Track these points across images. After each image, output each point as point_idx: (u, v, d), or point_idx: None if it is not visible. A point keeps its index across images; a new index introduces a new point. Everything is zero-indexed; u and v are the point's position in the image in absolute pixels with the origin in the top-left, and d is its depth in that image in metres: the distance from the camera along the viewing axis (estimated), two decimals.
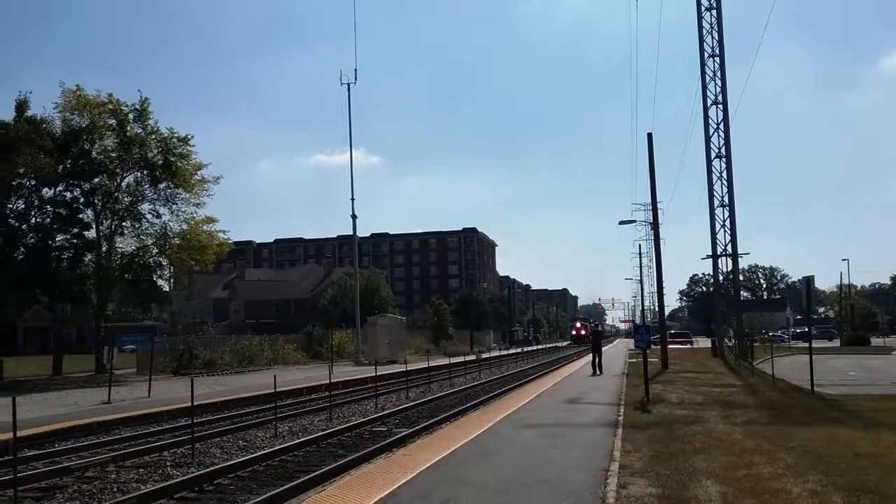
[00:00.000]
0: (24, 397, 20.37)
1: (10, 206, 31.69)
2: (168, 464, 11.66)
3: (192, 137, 34.23)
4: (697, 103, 39.33)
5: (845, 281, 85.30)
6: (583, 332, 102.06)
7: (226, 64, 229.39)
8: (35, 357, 43.19)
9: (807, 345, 21.50)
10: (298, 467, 11.27)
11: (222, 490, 9.86)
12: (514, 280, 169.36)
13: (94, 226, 33.63)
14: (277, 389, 16.64)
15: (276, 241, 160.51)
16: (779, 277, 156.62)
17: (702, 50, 38.65)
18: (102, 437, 14.35)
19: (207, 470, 10.62)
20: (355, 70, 46.57)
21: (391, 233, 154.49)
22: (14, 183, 31.07)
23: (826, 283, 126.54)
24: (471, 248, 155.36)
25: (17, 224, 31.81)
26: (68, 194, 33.23)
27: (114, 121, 33.37)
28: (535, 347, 77.51)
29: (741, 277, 46.89)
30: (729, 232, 38.31)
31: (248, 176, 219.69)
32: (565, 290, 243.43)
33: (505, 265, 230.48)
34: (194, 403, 13.53)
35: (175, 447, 13.01)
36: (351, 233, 49.52)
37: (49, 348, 40.91)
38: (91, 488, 9.92)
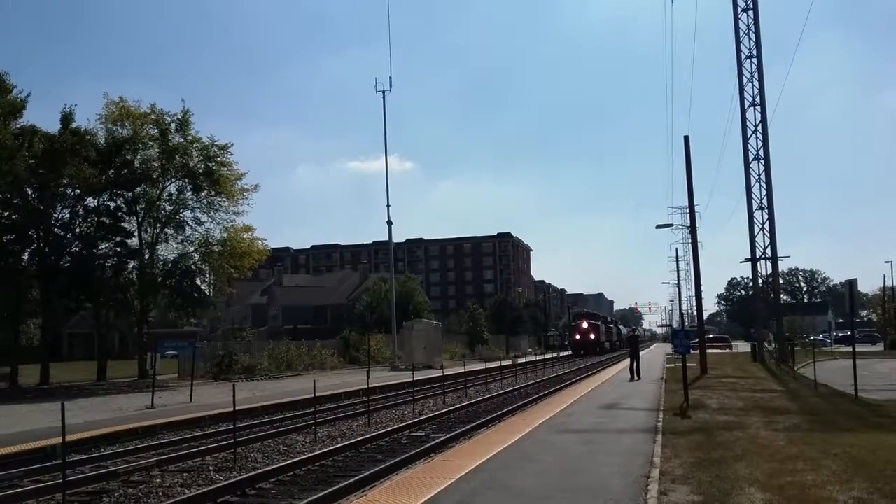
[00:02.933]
0: (70, 402, 20.81)
1: (56, 215, 32.41)
2: (211, 468, 11.85)
3: (231, 145, 34.81)
4: (735, 105, 38.92)
5: (889, 283, 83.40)
6: (591, 337, 71.36)
7: (259, 71, 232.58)
8: (80, 363, 44.00)
9: (849, 349, 21.13)
10: (339, 472, 11.38)
11: (264, 494, 10.00)
12: (550, 285, 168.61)
13: (136, 234, 34.31)
14: (316, 394, 16.81)
15: (313, 247, 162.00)
16: (819, 280, 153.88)
17: (738, 51, 38.24)
18: (147, 442, 14.63)
19: (250, 474, 10.76)
20: (390, 77, 46.99)
21: (426, 238, 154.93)
22: (59, 193, 31.79)
23: (869, 285, 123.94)
24: (506, 252, 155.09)
25: (62, 233, 32.51)
26: (112, 203, 33.94)
27: (156, 131, 34.03)
28: (571, 352, 77.06)
29: (781, 280, 46.27)
30: (768, 234, 37.81)
31: (283, 182, 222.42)
32: (601, 295, 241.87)
33: (540, 270, 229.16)
34: (236, 408, 13.72)
35: (217, 452, 13.22)
36: (386, 238, 49.80)
37: (93, 354, 41.69)
38: (137, 492, 10.12)
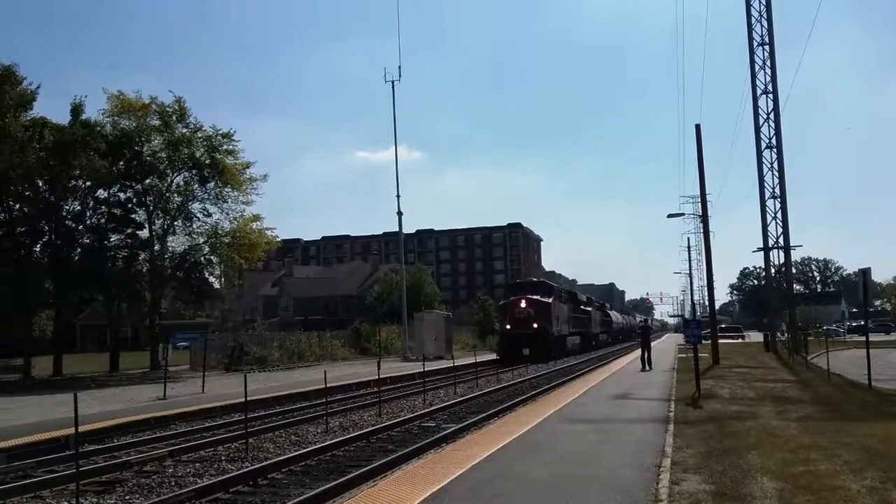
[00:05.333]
0: (83, 393, 20.94)
1: (67, 207, 32.55)
2: (223, 458, 11.90)
3: (234, 132, 34.75)
4: (747, 93, 38.63)
5: None
6: (534, 326, 41.04)
7: (264, 62, 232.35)
8: (92, 354, 44.29)
9: (863, 338, 20.99)
10: (350, 462, 11.41)
11: (276, 484, 10.03)
12: (560, 275, 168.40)
13: (146, 225, 34.44)
14: (327, 385, 16.85)
15: (323, 238, 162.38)
16: (833, 270, 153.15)
17: (750, 38, 37.94)
18: (159, 433, 14.71)
19: (261, 464, 10.82)
20: (399, 67, 46.88)
21: (436, 229, 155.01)
22: (70, 185, 31.92)
23: (883, 275, 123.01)
24: (516, 243, 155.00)
25: (73, 225, 32.67)
26: (122, 195, 34.11)
27: (159, 122, 34.06)
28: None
29: (793, 270, 46.04)
30: (780, 224, 37.58)
31: (292, 173, 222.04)
32: (612, 285, 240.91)
33: (550, 260, 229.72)
34: (247, 399, 13.77)
35: (229, 442, 13.27)
36: (396, 229, 49.79)
37: (105, 346, 41.97)
38: (150, 482, 10.18)
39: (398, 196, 47.08)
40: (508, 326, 42.03)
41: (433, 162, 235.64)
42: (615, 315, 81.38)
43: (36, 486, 9.75)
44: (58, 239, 31.93)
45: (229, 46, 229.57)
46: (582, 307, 57.66)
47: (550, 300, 43.71)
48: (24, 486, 9.72)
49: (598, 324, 65.64)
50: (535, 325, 40.90)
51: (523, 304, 42.09)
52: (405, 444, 12.77)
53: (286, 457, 11.40)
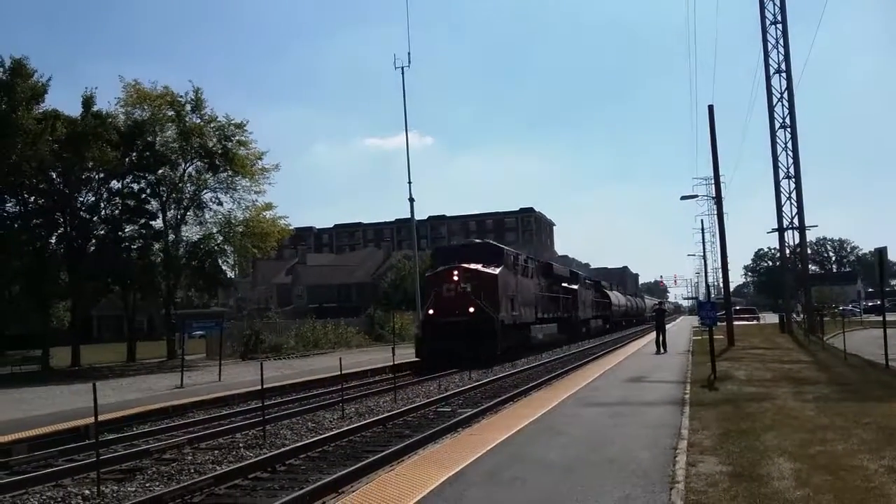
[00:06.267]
0: (101, 383, 21.04)
1: (81, 199, 32.76)
2: (241, 445, 11.99)
3: (247, 123, 34.74)
4: (760, 72, 38.26)
5: None
6: (471, 310, 27.03)
7: (273, 49, 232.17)
8: (109, 344, 44.74)
9: (880, 318, 20.82)
10: (367, 447, 11.47)
11: (294, 470, 10.11)
12: (574, 259, 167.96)
13: (160, 216, 34.58)
14: (343, 372, 16.93)
15: (336, 226, 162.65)
16: (848, 249, 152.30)
17: (763, 17, 37.61)
18: (177, 421, 14.84)
19: (279, 451, 10.89)
20: (408, 53, 46.85)
21: (448, 215, 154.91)
22: (84, 177, 32.10)
23: None
24: (528, 228, 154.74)
25: (88, 216, 32.87)
26: (135, 186, 34.24)
27: (172, 112, 34.09)
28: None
29: (809, 250, 45.70)
30: (795, 204, 37.34)
31: (304, 161, 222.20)
32: (625, 268, 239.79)
33: (563, 244, 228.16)
34: (264, 386, 13.85)
35: (247, 429, 13.37)
36: (408, 216, 49.70)
37: (122, 336, 42.33)
38: (169, 469, 10.28)
39: (410, 182, 46.88)
40: (431, 311, 28.28)
41: (445, 147, 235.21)
42: (616, 296, 67.33)
43: (57, 475, 9.87)
44: (73, 230, 32.14)
45: (242, 35, 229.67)
46: (564, 284, 43.55)
47: (498, 271, 28.97)
48: (45, 474, 9.84)
49: (590, 306, 51.42)
50: (472, 310, 27.35)
51: (455, 277, 28.08)
52: (421, 430, 12.82)
53: (303, 443, 11.48)
